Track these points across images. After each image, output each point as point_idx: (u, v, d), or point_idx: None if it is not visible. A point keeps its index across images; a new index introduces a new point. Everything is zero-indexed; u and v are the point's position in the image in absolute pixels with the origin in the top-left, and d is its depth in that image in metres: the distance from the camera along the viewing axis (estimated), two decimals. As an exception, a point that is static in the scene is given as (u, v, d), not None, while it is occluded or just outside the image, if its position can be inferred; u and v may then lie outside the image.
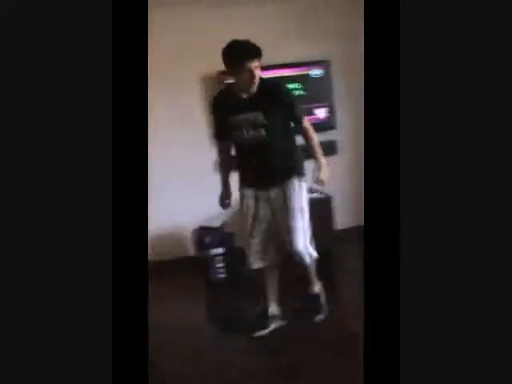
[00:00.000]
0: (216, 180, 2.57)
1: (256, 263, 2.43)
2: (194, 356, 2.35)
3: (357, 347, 2.02)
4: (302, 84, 3.45)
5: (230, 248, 3.40)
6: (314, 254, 2.43)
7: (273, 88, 2.24)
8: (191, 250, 3.67)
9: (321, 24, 3.47)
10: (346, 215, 3.76)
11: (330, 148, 3.34)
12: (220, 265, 3.35)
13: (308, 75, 3.47)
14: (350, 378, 1.95)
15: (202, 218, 3.48)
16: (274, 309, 2.56)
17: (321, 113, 3.54)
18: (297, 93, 3.39)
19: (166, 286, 3.24)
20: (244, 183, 2.40)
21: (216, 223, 3.44)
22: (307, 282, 2.59)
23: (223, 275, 3.37)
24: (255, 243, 2.40)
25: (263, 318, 2.53)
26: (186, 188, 3.54)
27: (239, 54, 2.10)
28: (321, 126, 3.26)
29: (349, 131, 3.67)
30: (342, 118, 3.61)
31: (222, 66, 2.20)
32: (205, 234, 3.39)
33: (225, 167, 2.50)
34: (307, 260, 2.40)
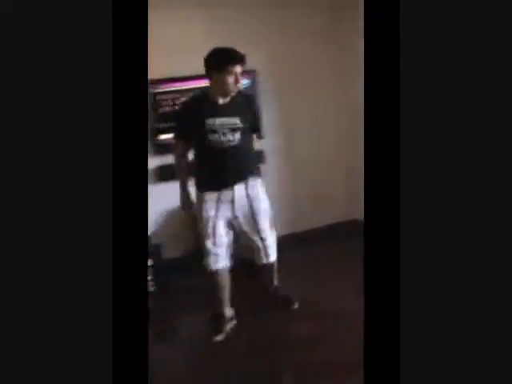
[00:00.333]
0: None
1: (214, 265, 2.46)
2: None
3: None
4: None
5: (158, 259, 3.29)
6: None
7: (248, 97, 2.49)
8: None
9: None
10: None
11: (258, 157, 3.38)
12: (148, 277, 3.22)
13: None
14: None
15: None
16: (228, 311, 2.62)
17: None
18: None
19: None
20: (205, 186, 2.42)
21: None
22: (270, 278, 2.75)
23: (152, 288, 3.24)
24: (215, 245, 2.43)
25: (220, 322, 2.56)
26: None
27: (227, 58, 2.21)
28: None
29: (276, 140, 3.76)
30: (268, 127, 3.68)
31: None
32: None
33: (185, 170, 2.52)
34: (274, 257, 2.57)
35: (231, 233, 2.50)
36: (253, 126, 2.46)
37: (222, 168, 2.37)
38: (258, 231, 2.48)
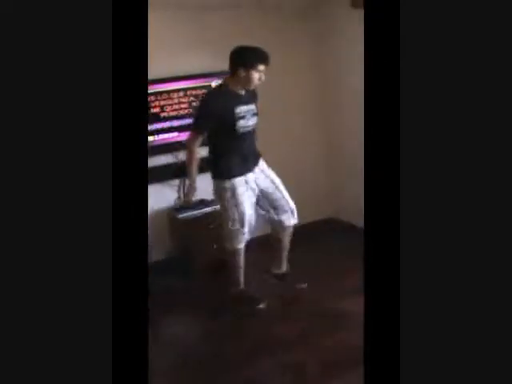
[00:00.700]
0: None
1: (241, 244, 2.74)
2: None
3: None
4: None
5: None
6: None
7: (255, 89, 2.75)
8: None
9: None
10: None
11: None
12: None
13: (210, 86, 3.56)
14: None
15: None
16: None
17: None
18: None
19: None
20: (234, 171, 2.64)
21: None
22: (288, 245, 2.98)
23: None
24: (243, 226, 2.69)
25: (247, 297, 2.86)
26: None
27: (256, 56, 2.53)
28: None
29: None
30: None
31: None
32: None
33: (195, 161, 2.67)
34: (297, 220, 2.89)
35: (254, 213, 2.76)
36: (257, 113, 2.78)
37: (247, 151, 2.69)
38: (283, 196, 2.81)
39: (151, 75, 3.29)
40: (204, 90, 3.51)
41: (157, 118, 3.45)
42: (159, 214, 3.60)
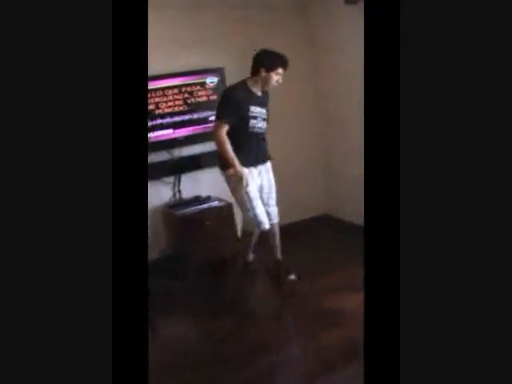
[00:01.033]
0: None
1: (266, 224, 2.93)
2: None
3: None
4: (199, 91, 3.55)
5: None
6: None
7: (267, 93, 2.98)
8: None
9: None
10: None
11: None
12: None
13: (204, 82, 3.56)
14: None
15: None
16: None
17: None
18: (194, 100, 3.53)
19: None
20: (246, 163, 2.84)
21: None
22: (276, 241, 3.14)
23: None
24: (260, 206, 2.91)
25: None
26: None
27: (279, 60, 2.76)
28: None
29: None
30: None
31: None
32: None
33: (229, 146, 2.77)
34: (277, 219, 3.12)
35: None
36: (267, 119, 2.97)
37: (257, 151, 2.91)
38: (272, 198, 3.07)
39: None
40: (198, 87, 3.52)
41: (151, 115, 3.43)
42: (154, 211, 3.58)
